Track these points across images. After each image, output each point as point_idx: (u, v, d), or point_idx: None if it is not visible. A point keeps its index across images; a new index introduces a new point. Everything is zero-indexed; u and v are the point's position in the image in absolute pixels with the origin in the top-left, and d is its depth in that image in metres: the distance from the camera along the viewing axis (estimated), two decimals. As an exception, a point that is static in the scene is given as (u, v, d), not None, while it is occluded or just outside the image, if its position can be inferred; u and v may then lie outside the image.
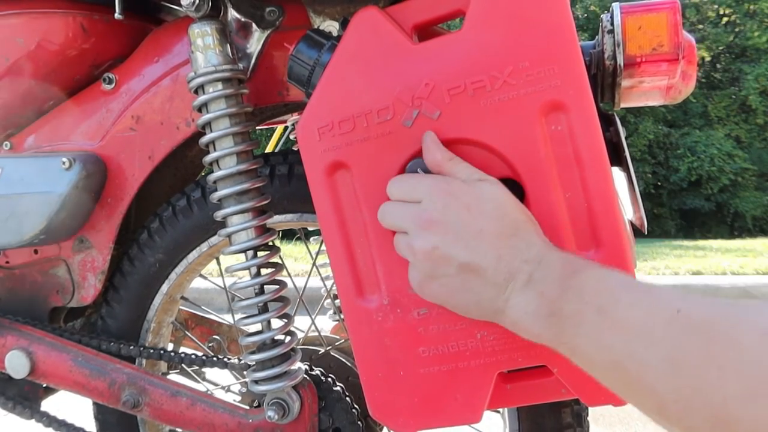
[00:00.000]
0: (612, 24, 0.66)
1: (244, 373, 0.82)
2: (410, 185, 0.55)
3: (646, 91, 0.70)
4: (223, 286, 1.01)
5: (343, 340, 1.01)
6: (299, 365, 0.79)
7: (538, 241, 0.52)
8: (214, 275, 1.87)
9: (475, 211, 0.51)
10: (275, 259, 0.76)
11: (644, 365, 0.41)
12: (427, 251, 0.52)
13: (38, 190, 0.80)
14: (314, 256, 1.08)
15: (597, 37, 0.70)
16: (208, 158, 0.72)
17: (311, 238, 1.21)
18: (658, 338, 0.41)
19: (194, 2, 0.67)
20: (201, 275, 0.97)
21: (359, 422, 0.81)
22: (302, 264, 3.92)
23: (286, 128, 1.67)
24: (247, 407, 0.82)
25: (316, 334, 1.01)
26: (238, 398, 0.88)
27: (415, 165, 0.57)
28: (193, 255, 0.84)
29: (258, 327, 0.76)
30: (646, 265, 4.20)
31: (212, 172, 0.72)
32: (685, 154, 9.98)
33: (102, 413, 0.90)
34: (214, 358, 0.85)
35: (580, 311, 0.46)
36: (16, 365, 0.83)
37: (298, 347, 0.81)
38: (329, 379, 0.82)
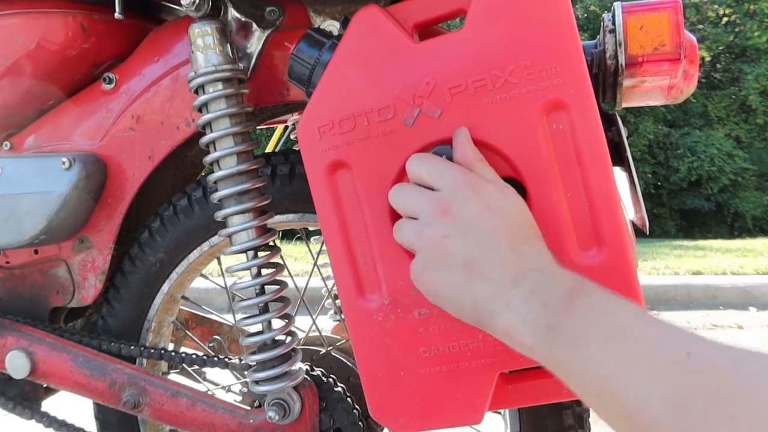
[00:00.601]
0: (613, 23, 0.66)
1: (245, 373, 0.82)
2: (436, 169, 0.53)
3: (648, 91, 0.69)
4: (224, 285, 1.00)
5: (344, 341, 1.01)
6: (300, 366, 0.79)
7: (548, 255, 0.51)
8: (215, 275, 1.87)
9: (494, 210, 0.50)
10: (276, 260, 0.76)
11: (643, 401, 0.40)
12: (436, 239, 0.50)
13: (38, 190, 0.80)
14: (315, 256, 1.08)
15: (598, 36, 0.70)
16: (208, 158, 0.72)
17: (312, 238, 1.21)
18: (664, 377, 0.40)
19: (194, 2, 0.66)
20: (202, 275, 0.96)
21: (360, 423, 0.81)
22: (303, 264, 3.92)
23: (286, 128, 1.67)
24: (248, 407, 0.82)
25: (317, 334, 1.01)
26: (239, 398, 0.88)
27: (441, 150, 0.56)
28: (194, 254, 0.84)
29: (259, 327, 0.76)
30: (646, 265, 4.20)
31: (213, 172, 0.72)
32: (685, 154, 9.97)
33: (102, 413, 0.89)
34: (215, 358, 0.84)
35: (583, 333, 0.45)
36: (17, 365, 0.83)
37: (299, 347, 0.80)
38: (330, 380, 0.82)
